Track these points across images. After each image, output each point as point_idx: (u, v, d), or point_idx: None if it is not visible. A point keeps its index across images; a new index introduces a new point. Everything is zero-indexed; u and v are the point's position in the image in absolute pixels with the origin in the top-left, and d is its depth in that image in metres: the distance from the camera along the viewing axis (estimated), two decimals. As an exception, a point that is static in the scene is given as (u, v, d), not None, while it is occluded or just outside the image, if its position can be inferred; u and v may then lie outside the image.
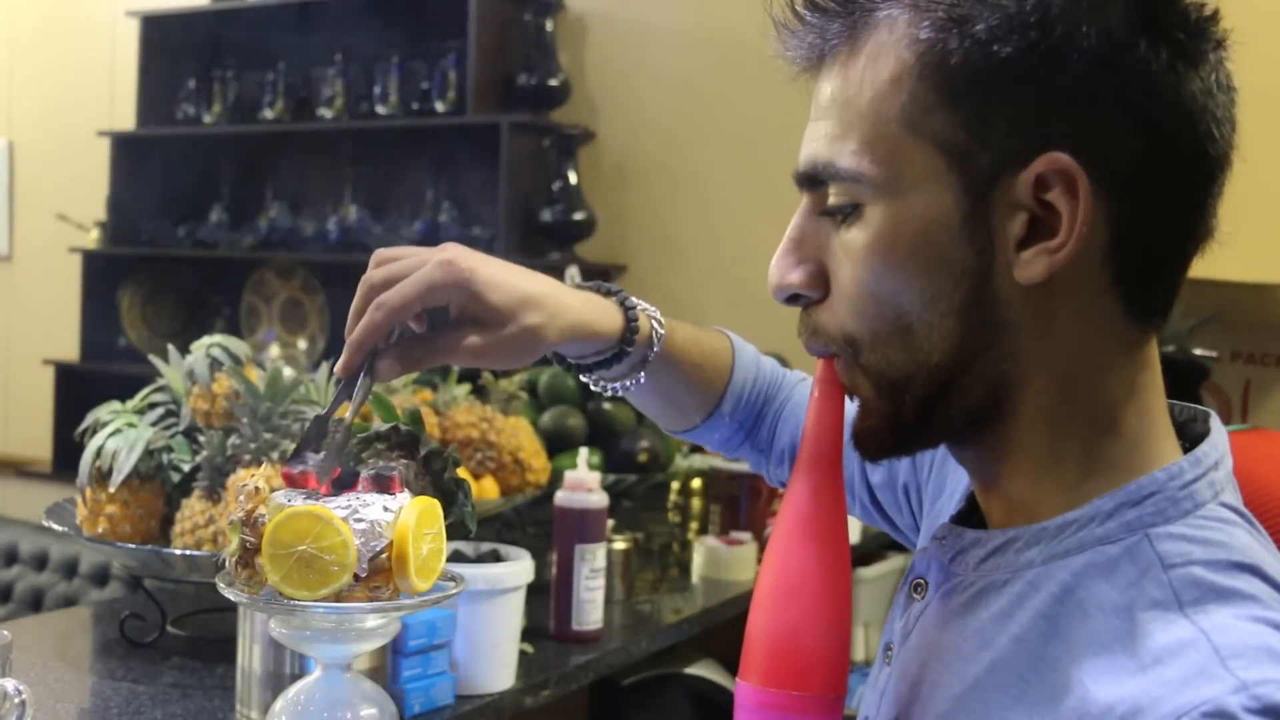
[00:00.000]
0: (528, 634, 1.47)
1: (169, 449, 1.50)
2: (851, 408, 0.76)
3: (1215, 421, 0.74)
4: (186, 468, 1.49)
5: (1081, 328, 0.69)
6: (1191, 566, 0.65)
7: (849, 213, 0.71)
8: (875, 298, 0.70)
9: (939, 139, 0.67)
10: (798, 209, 0.75)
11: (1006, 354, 0.69)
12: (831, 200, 0.72)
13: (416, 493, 0.88)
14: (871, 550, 2.49)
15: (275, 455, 1.40)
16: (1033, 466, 0.71)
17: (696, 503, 2.24)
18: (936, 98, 0.67)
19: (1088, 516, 0.68)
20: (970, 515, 0.79)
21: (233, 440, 1.43)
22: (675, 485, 2.25)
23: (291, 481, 0.81)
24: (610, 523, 1.71)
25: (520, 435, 1.85)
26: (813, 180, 0.73)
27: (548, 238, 3.23)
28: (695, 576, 1.98)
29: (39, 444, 3.99)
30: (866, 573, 2.43)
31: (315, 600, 0.79)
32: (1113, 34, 0.65)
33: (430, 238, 3.38)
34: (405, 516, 0.81)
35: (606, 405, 2.21)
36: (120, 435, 1.47)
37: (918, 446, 0.75)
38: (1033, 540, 0.70)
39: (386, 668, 1.26)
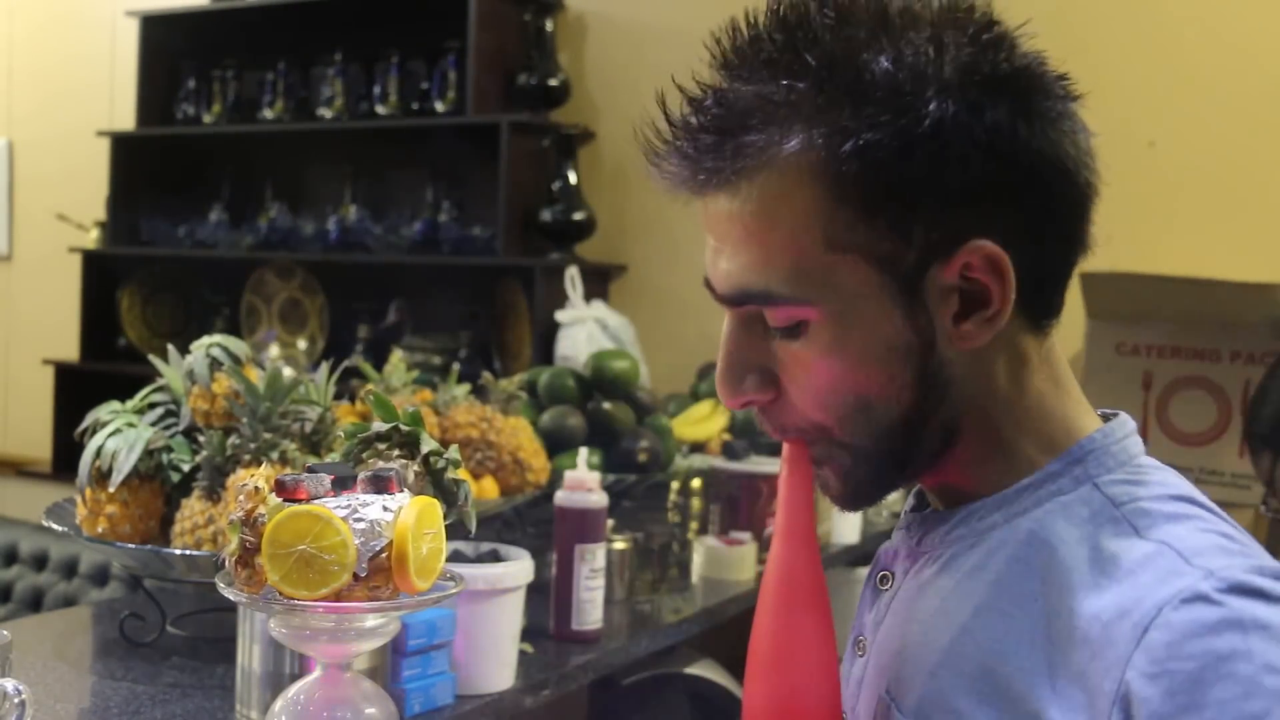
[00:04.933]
0: (528, 634, 1.47)
1: (169, 449, 1.50)
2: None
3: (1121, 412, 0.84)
4: (186, 468, 1.49)
5: (1007, 355, 0.78)
6: (1138, 502, 0.75)
7: (792, 329, 0.75)
8: (835, 392, 0.76)
9: (865, 251, 0.73)
10: (725, 321, 0.79)
11: (956, 400, 0.77)
12: (772, 323, 0.76)
13: (416, 492, 0.88)
14: (871, 550, 2.49)
15: (275, 455, 1.40)
16: (985, 464, 0.79)
17: (696, 503, 2.24)
18: (854, 214, 0.72)
19: (1040, 479, 0.77)
20: (923, 509, 0.86)
21: (232, 440, 1.43)
22: (675, 485, 2.25)
23: (283, 491, 0.81)
24: (610, 523, 1.71)
25: (520, 435, 1.85)
26: (741, 302, 0.77)
27: (548, 238, 3.23)
28: (695, 576, 1.98)
29: (39, 444, 3.99)
30: (864, 573, 2.43)
31: (315, 600, 0.79)
32: (1000, 127, 0.72)
33: (430, 238, 3.38)
34: (405, 516, 0.81)
35: (606, 405, 2.21)
36: (120, 435, 1.47)
37: (891, 491, 0.83)
38: (994, 506, 0.78)
39: (386, 668, 1.26)
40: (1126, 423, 0.81)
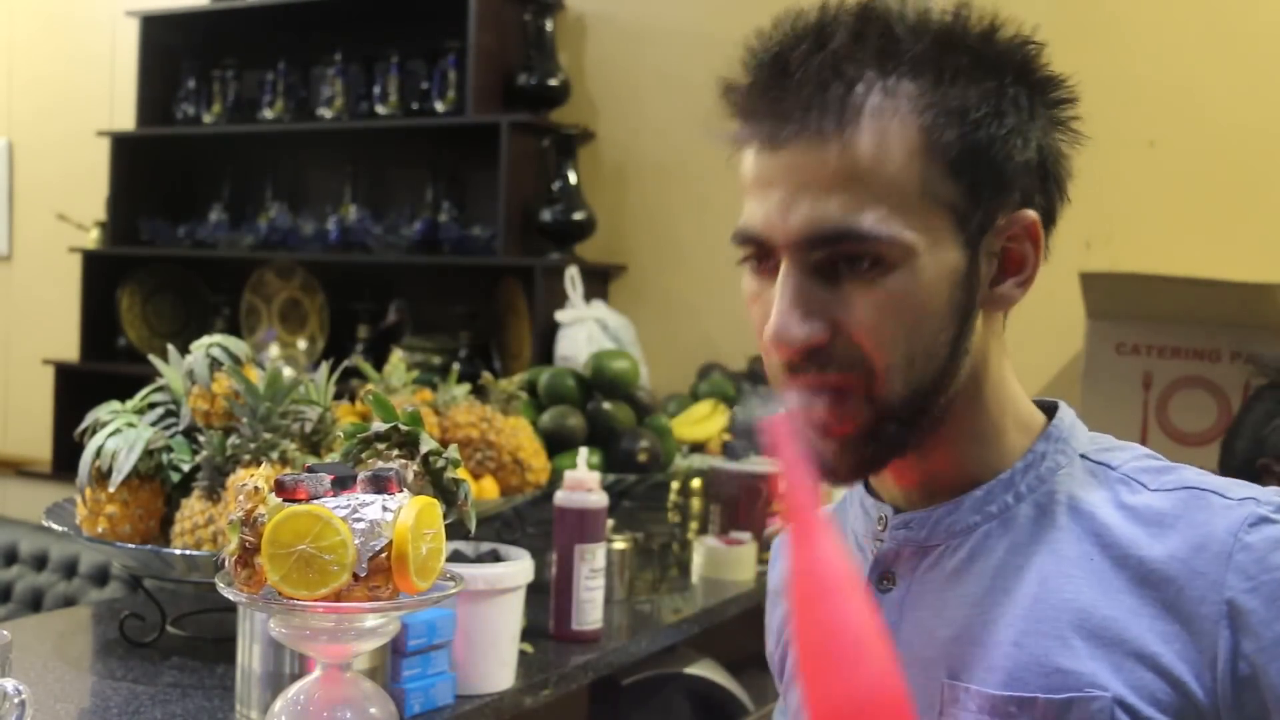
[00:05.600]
0: (528, 634, 1.47)
1: (169, 449, 1.50)
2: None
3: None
4: (186, 468, 1.49)
5: (996, 337, 0.87)
6: (1129, 464, 0.85)
7: (870, 269, 0.80)
8: (895, 340, 0.81)
9: (949, 205, 0.81)
10: (784, 269, 0.82)
11: (963, 372, 0.84)
12: (852, 260, 0.80)
13: (416, 492, 0.88)
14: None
15: (275, 455, 1.40)
16: (974, 444, 0.86)
17: (696, 502, 2.24)
18: (943, 171, 0.80)
19: (1034, 459, 0.86)
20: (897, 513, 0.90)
21: (232, 440, 1.43)
22: (675, 485, 2.25)
23: (283, 491, 0.81)
24: (610, 523, 1.71)
25: (520, 435, 1.85)
26: (823, 243, 0.80)
27: (547, 238, 3.22)
28: (695, 576, 1.98)
29: (39, 444, 3.99)
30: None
31: (315, 600, 0.79)
32: (1050, 113, 0.85)
33: (430, 238, 3.38)
34: (404, 516, 0.81)
35: (606, 405, 2.21)
36: (120, 435, 1.47)
37: (881, 467, 0.86)
38: (1001, 490, 0.85)
39: (386, 668, 1.26)
40: (1067, 408, 0.90)
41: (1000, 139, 0.81)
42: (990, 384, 0.86)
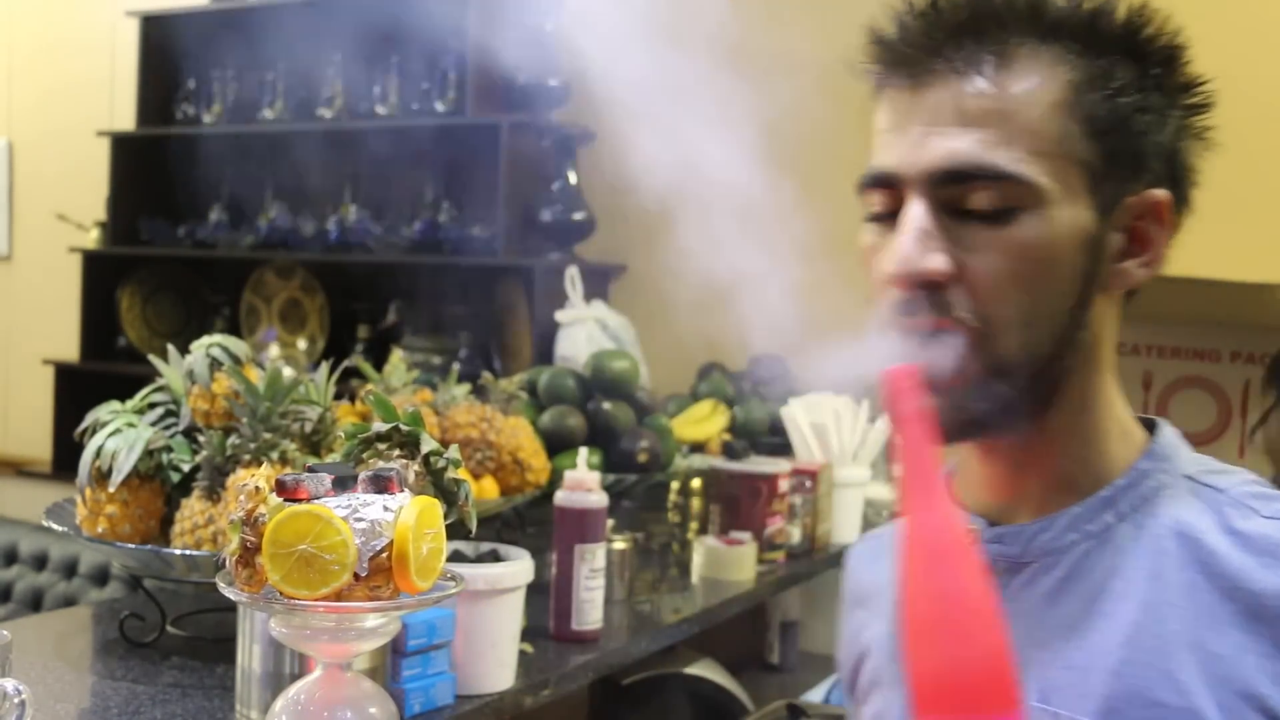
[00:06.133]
0: (528, 634, 1.47)
1: (169, 449, 1.50)
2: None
3: None
4: (186, 468, 1.49)
5: (1112, 318, 0.85)
6: (1240, 487, 0.81)
7: (1002, 213, 0.79)
8: (1017, 291, 0.79)
9: (1086, 164, 0.80)
10: (912, 203, 0.80)
11: (1077, 349, 0.82)
12: (980, 204, 0.79)
13: (416, 492, 0.88)
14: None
15: (275, 455, 1.40)
16: (1074, 446, 0.83)
17: (696, 503, 2.24)
18: (1085, 130, 0.80)
19: (1136, 478, 0.83)
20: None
21: (232, 440, 1.43)
22: (675, 485, 2.25)
23: (283, 491, 0.81)
24: (610, 523, 1.71)
25: (520, 435, 1.85)
26: (957, 178, 0.79)
27: (547, 238, 3.22)
28: (695, 576, 1.98)
29: (39, 444, 3.99)
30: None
31: (315, 599, 0.79)
32: (1185, 115, 0.84)
33: (430, 238, 3.38)
34: (405, 516, 0.81)
35: (606, 405, 2.21)
36: (120, 435, 1.47)
37: (990, 432, 0.83)
38: (1100, 507, 0.82)
39: (386, 668, 1.26)
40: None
41: (1140, 116, 0.81)
42: (1101, 376, 0.84)
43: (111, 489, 1.44)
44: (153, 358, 1.60)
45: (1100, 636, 0.78)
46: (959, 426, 0.81)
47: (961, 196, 0.79)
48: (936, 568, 0.73)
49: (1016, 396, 0.80)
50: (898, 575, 0.74)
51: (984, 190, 0.78)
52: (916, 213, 0.80)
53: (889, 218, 0.83)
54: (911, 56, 0.81)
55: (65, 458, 3.73)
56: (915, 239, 0.79)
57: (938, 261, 0.79)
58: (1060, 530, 0.82)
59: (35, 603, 3.06)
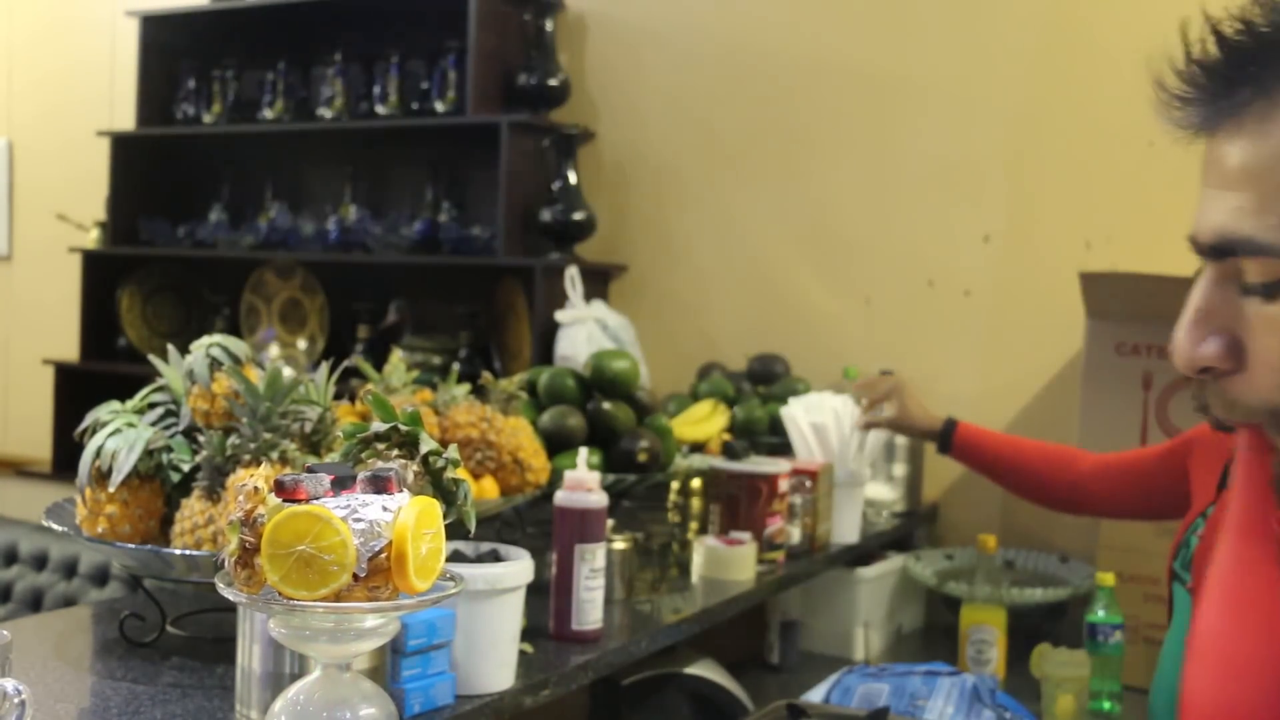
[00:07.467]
0: (528, 634, 1.47)
1: (169, 449, 1.50)
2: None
3: None
4: (186, 468, 1.49)
5: None
6: None
7: (1272, 287, 0.70)
8: None
9: None
10: (1201, 277, 0.74)
11: None
12: (1251, 276, 0.71)
13: (416, 492, 0.88)
14: (871, 550, 2.49)
15: (275, 455, 1.40)
16: None
17: (696, 502, 2.24)
18: None
19: None
20: None
21: (232, 440, 1.43)
22: (675, 485, 2.25)
23: (283, 491, 0.81)
24: (610, 523, 1.71)
25: (520, 435, 1.85)
26: (1223, 252, 0.72)
27: (547, 238, 3.22)
28: (695, 576, 1.98)
29: (39, 444, 3.99)
30: (866, 573, 2.43)
31: (315, 600, 0.79)
32: None
33: (430, 238, 3.38)
34: (404, 516, 0.81)
35: (606, 405, 2.21)
36: (120, 435, 1.47)
37: None
38: None
39: (386, 668, 1.26)
40: None
41: None
42: None
43: (111, 489, 1.44)
44: (153, 358, 1.60)
45: None
46: None
47: (1238, 269, 0.71)
48: (1241, 610, 0.71)
49: None
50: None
51: (1250, 265, 0.70)
52: (1197, 291, 0.74)
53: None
54: (1192, 105, 0.74)
55: (65, 458, 3.74)
56: (1190, 325, 0.73)
57: (1208, 350, 0.73)
58: None
59: (35, 603, 3.06)
